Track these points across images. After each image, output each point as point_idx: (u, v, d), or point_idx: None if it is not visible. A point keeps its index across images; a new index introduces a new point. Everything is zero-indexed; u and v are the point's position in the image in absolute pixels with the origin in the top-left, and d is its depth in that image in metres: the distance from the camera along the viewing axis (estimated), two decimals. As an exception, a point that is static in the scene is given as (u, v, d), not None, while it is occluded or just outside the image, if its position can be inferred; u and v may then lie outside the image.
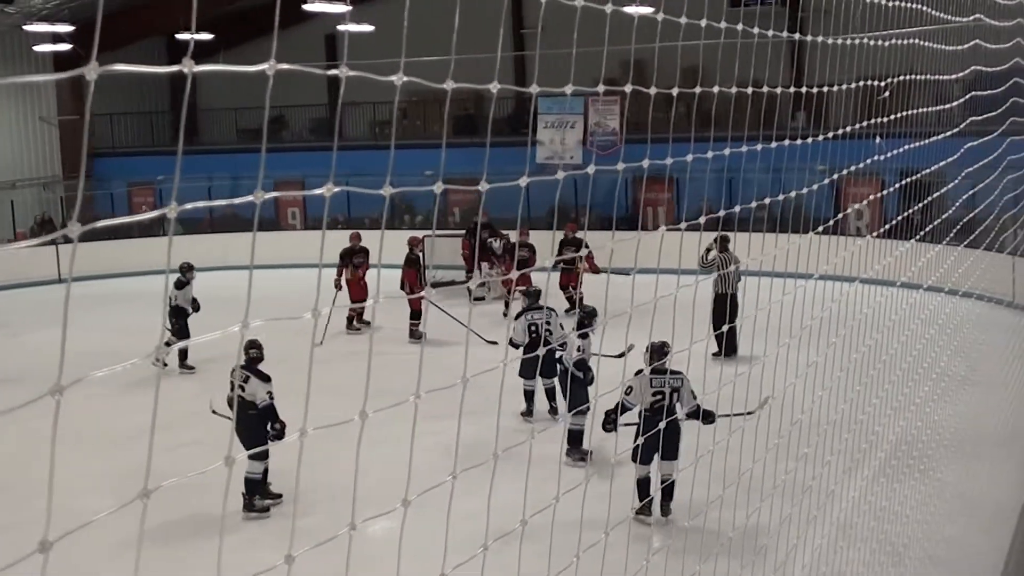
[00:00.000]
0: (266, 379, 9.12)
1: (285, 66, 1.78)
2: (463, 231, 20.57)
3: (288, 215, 25.34)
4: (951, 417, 7.79)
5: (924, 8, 5.59)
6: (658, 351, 8.25)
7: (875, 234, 5.62)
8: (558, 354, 10.94)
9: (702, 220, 3.51)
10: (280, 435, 8.79)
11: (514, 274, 13.77)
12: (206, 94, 30.73)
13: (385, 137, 27.43)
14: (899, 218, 6.05)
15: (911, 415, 6.64)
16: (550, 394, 11.58)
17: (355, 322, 16.68)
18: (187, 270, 14.70)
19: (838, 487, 5.73)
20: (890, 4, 5.06)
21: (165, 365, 14.19)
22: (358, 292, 16.60)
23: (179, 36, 23.86)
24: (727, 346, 12.52)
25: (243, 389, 9.02)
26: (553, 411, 11.58)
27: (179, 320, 14.28)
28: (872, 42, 5.06)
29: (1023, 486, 7.82)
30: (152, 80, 29.26)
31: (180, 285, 14.57)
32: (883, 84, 5.33)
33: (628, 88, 2.97)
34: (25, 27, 24.31)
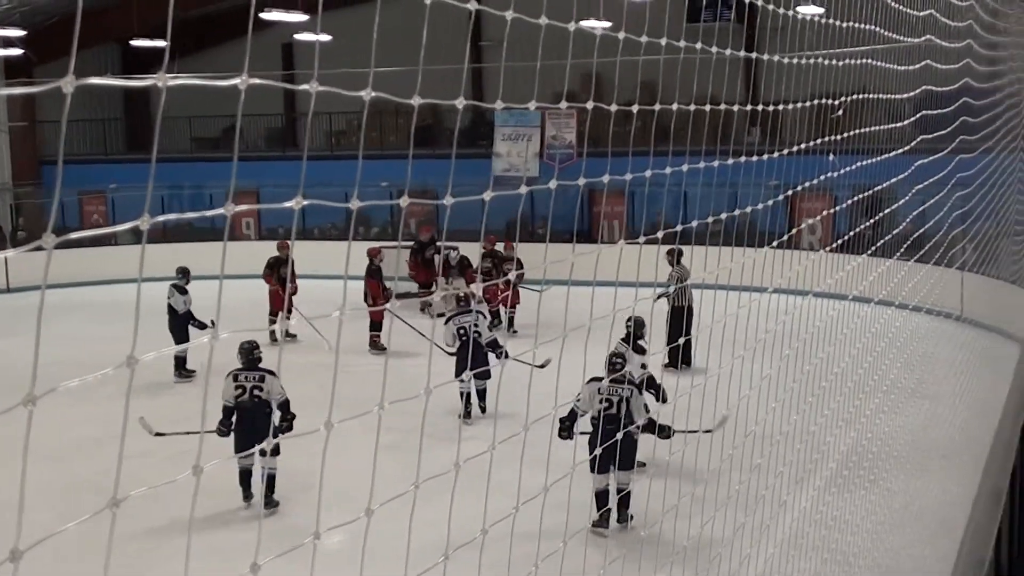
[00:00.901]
0: (276, 375, 9.46)
1: (256, 81, 1.79)
2: (410, 244, 20.10)
3: (243, 225, 25.16)
4: (900, 429, 7.91)
5: (877, 29, 5.70)
6: (609, 361, 8.36)
7: (828, 248, 5.70)
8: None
9: (660, 235, 3.56)
10: (290, 427, 9.16)
11: (475, 287, 13.86)
12: (159, 103, 30.37)
13: (341, 147, 27.36)
14: (851, 233, 6.14)
15: (861, 427, 6.74)
16: (480, 395, 12.05)
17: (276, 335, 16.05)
18: (186, 274, 14.55)
19: (790, 497, 5.81)
20: (844, 24, 5.16)
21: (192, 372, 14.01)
22: (280, 303, 15.75)
23: (133, 42, 23.63)
24: (683, 358, 12.63)
25: (260, 390, 9.31)
26: (482, 410, 11.97)
27: (197, 325, 14.12)
28: (825, 61, 5.15)
29: (969, 498, 7.96)
30: (105, 87, 28.89)
31: (184, 291, 14.39)
32: (837, 103, 5.42)
33: (590, 105, 3.00)
34: (-25, 31, 24.01)
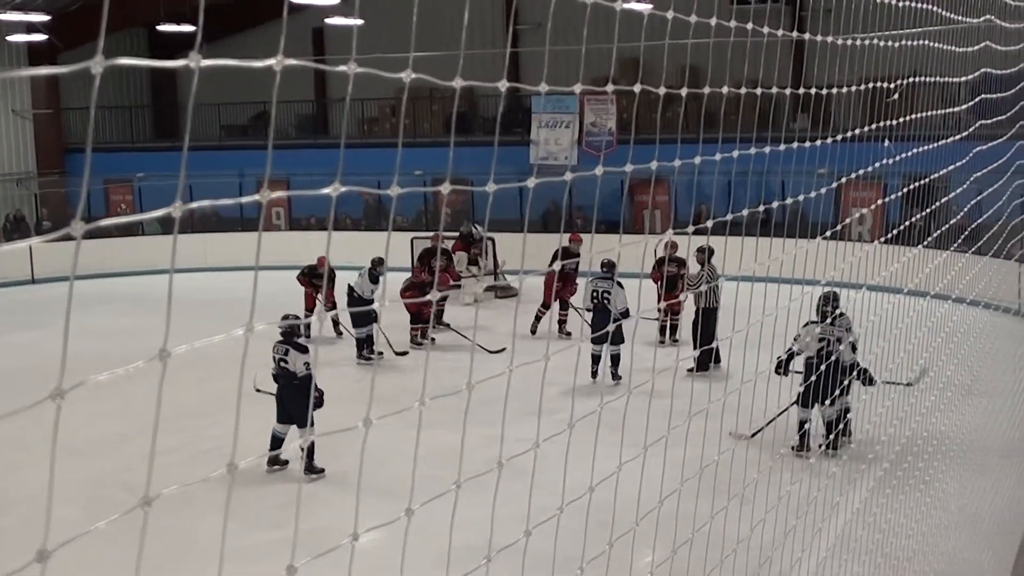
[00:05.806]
0: (303, 351, 9.91)
1: (292, 61, 1.66)
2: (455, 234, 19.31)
3: (273, 215, 24.94)
4: (955, 428, 7.60)
5: (934, 8, 5.40)
6: (824, 302, 9.03)
7: (882, 240, 5.41)
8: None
9: (723, 219, 3.31)
10: (319, 403, 9.31)
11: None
12: (188, 90, 30.27)
13: (373, 135, 27.12)
14: (906, 224, 5.85)
15: (916, 425, 6.45)
16: (614, 360, 12.48)
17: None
18: (379, 264, 14.99)
19: (842, 499, 5.57)
20: (901, 4, 4.86)
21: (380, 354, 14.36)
22: (313, 302, 16.19)
23: (160, 27, 23.47)
24: (708, 359, 12.14)
25: (285, 362, 9.89)
26: (614, 376, 12.39)
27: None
28: (881, 43, 4.87)
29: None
30: (131, 74, 28.76)
31: (375, 279, 14.85)
32: (892, 86, 5.15)
33: (637, 88, 2.83)
34: (-2, 17, 23.93)
